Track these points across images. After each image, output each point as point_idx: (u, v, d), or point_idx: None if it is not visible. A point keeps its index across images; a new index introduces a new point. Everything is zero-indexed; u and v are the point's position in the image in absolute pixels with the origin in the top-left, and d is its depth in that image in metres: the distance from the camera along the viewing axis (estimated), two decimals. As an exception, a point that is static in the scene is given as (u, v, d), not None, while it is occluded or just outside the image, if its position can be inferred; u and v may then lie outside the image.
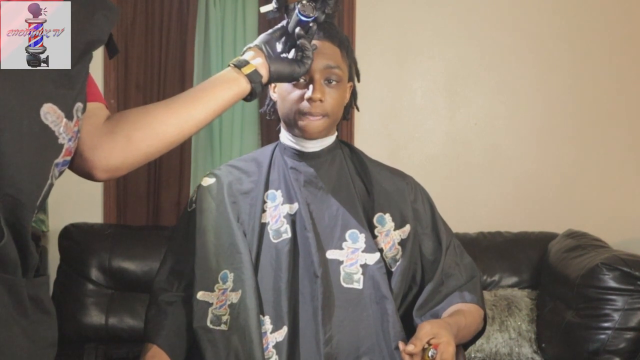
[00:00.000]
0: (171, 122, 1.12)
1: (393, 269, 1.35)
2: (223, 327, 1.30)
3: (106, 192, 2.82)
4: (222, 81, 1.15)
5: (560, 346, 2.24)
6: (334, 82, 1.34)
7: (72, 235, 2.61)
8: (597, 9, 2.81)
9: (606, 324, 2.08)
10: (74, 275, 2.57)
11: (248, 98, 1.17)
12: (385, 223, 1.38)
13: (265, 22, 2.82)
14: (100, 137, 1.08)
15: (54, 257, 2.71)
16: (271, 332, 1.27)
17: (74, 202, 2.77)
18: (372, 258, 1.33)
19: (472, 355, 2.37)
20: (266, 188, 1.39)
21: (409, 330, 1.31)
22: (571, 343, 2.18)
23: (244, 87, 1.14)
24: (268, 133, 2.84)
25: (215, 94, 1.14)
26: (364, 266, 1.32)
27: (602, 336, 2.08)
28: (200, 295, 1.33)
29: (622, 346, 2.06)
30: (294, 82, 1.32)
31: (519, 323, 2.42)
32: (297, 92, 1.33)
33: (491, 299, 2.46)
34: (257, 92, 1.16)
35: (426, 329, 1.19)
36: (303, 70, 1.19)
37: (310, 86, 1.31)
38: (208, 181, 1.43)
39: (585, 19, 2.81)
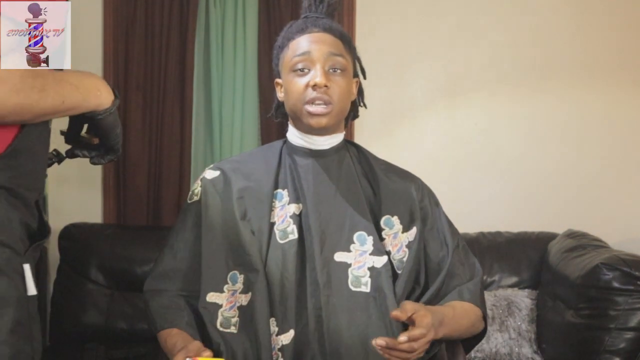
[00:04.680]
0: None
1: (400, 272, 1.33)
2: (232, 329, 1.28)
3: (106, 192, 2.82)
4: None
5: (560, 346, 2.24)
6: (338, 71, 1.33)
7: (72, 235, 2.61)
8: (598, 8, 2.81)
9: (606, 324, 2.08)
10: (74, 275, 2.57)
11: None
12: (393, 225, 1.36)
13: (265, 22, 2.82)
14: None
15: (54, 257, 2.71)
16: (277, 335, 1.26)
17: (74, 202, 2.77)
18: (380, 261, 1.31)
19: (472, 355, 2.37)
20: (274, 187, 1.37)
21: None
22: (571, 343, 2.18)
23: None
24: (268, 133, 2.83)
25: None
26: (372, 269, 1.30)
27: (602, 336, 2.08)
28: (210, 296, 1.30)
29: (622, 346, 2.06)
30: (298, 75, 1.32)
31: (519, 323, 2.41)
32: (302, 82, 1.32)
33: (491, 299, 2.46)
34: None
35: (411, 305, 1.19)
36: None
37: (314, 73, 1.31)
38: (212, 174, 1.40)
39: (585, 18, 2.81)
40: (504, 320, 2.42)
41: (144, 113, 2.82)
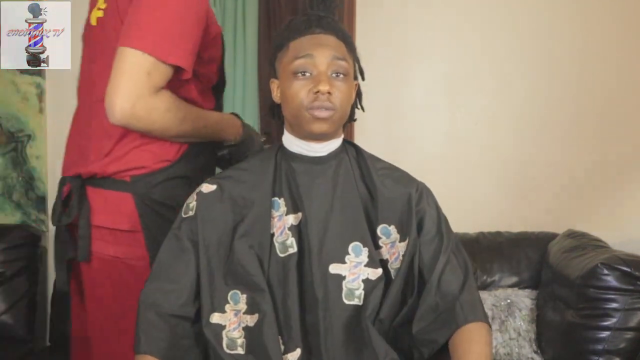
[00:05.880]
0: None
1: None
2: (240, 350, 1.24)
3: (106, 192, 2.81)
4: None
5: (560, 346, 2.24)
6: (341, 76, 1.28)
7: (72, 235, 2.61)
8: (599, 8, 2.81)
9: (606, 324, 2.08)
10: (74, 275, 2.56)
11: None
12: (390, 235, 1.32)
13: (265, 21, 2.82)
14: None
15: (54, 257, 2.70)
16: (283, 354, 1.22)
17: (74, 202, 2.77)
18: (374, 273, 1.28)
19: (472, 355, 2.37)
20: (271, 196, 1.33)
21: (400, 338, 1.29)
22: (571, 343, 2.17)
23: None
24: (267, 133, 2.83)
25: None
26: (366, 281, 1.27)
27: (602, 336, 2.08)
28: (212, 317, 1.26)
29: (622, 346, 2.06)
30: (299, 78, 1.27)
31: (519, 323, 2.41)
32: (303, 88, 1.26)
33: (491, 299, 2.46)
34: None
35: None
36: None
37: (317, 77, 1.26)
38: (209, 188, 1.35)
39: (586, 18, 2.81)
40: (504, 320, 2.42)
41: (144, 113, 2.81)
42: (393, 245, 1.32)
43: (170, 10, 1.34)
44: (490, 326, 1.32)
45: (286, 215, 1.31)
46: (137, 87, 1.30)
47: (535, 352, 2.38)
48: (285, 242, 1.29)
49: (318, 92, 1.25)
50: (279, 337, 1.23)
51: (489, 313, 2.41)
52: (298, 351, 1.22)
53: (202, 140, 1.54)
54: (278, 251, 1.29)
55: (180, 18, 1.35)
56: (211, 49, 1.49)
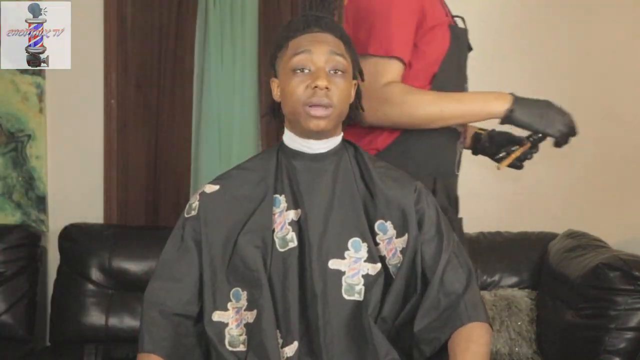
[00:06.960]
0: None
1: (395, 278, 1.31)
2: (242, 347, 1.25)
3: (106, 192, 2.82)
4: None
5: (560, 346, 2.24)
6: (339, 72, 1.29)
7: (72, 235, 2.61)
8: (597, 7, 2.81)
9: (606, 324, 2.08)
10: (74, 275, 2.57)
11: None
12: (387, 230, 1.33)
13: (266, 22, 2.82)
14: None
15: (54, 257, 2.70)
16: (281, 347, 1.24)
17: (74, 202, 2.77)
18: (374, 268, 1.29)
19: (472, 355, 2.37)
20: (272, 193, 1.34)
21: (401, 337, 1.30)
22: (571, 343, 2.17)
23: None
24: (268, 133, 2.83)
25: None
26: (366, 277, 1.28)
27: (602, 336, 2.08)
28: (215, 315, 1.27)
29: (622, 346, 2.06)
30: (298, 75, 1.28)
31: (519, 323, 2.42)
32: (301, 84, 1.27)
33: (491, 299, 2.46)
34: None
35: None
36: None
37: (315, 73, 1.27)
38: (212, 188, 1.36)
39: (585, 17, 2.81)
40: (504, 320, 2.42)
41: (144, 113, 2.82)
42: (390, 242, 1.33)
43: (382, 12, 1.51)
44: (491, 327, 1.32)
45: (286, 211, 1.33)
46: (369, 85, 1.47)
47: (535, 352, 2.38)
48: (285, 236, 1.30)
49: (316, 87, 1.26)
50: (277, 330, 1.24)
51: (489, 313, 2.40)
52: (295, 344, 1.23)
53: (458, 121, 1.58)
54: (278, 246, 1.30)
55: (391, 16, 1.50)
56: (427, 40, 1.61)
